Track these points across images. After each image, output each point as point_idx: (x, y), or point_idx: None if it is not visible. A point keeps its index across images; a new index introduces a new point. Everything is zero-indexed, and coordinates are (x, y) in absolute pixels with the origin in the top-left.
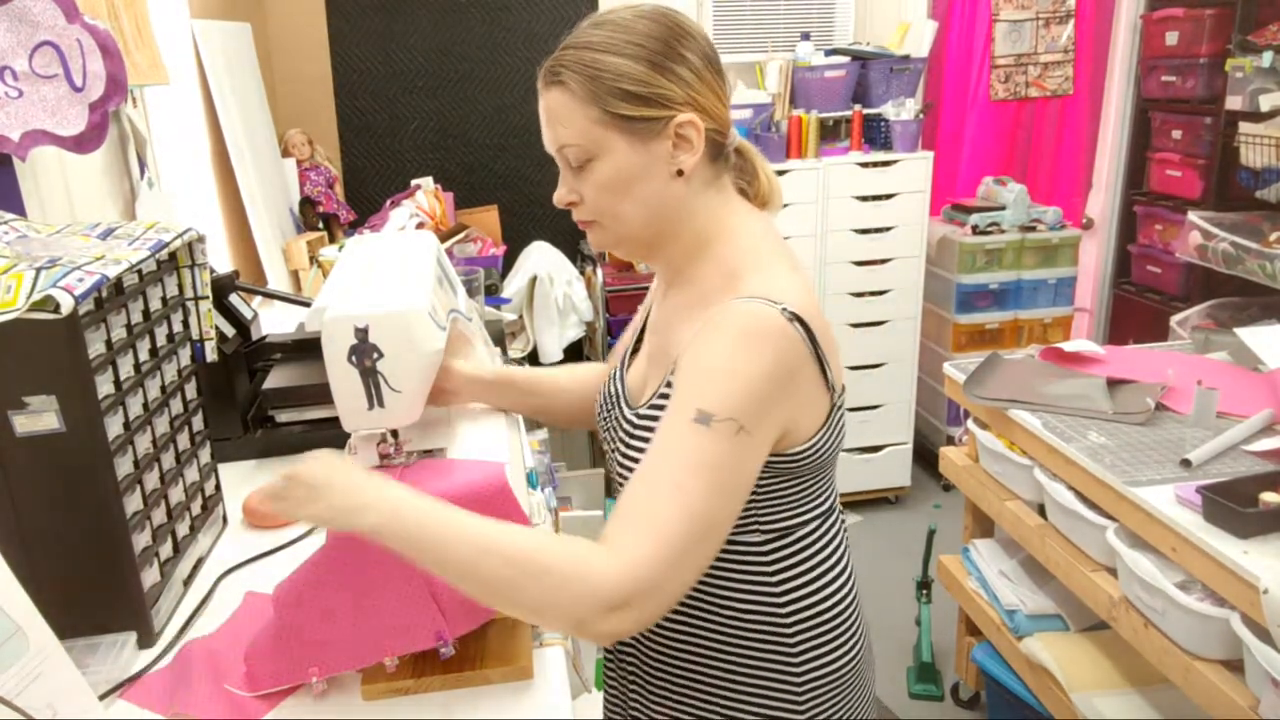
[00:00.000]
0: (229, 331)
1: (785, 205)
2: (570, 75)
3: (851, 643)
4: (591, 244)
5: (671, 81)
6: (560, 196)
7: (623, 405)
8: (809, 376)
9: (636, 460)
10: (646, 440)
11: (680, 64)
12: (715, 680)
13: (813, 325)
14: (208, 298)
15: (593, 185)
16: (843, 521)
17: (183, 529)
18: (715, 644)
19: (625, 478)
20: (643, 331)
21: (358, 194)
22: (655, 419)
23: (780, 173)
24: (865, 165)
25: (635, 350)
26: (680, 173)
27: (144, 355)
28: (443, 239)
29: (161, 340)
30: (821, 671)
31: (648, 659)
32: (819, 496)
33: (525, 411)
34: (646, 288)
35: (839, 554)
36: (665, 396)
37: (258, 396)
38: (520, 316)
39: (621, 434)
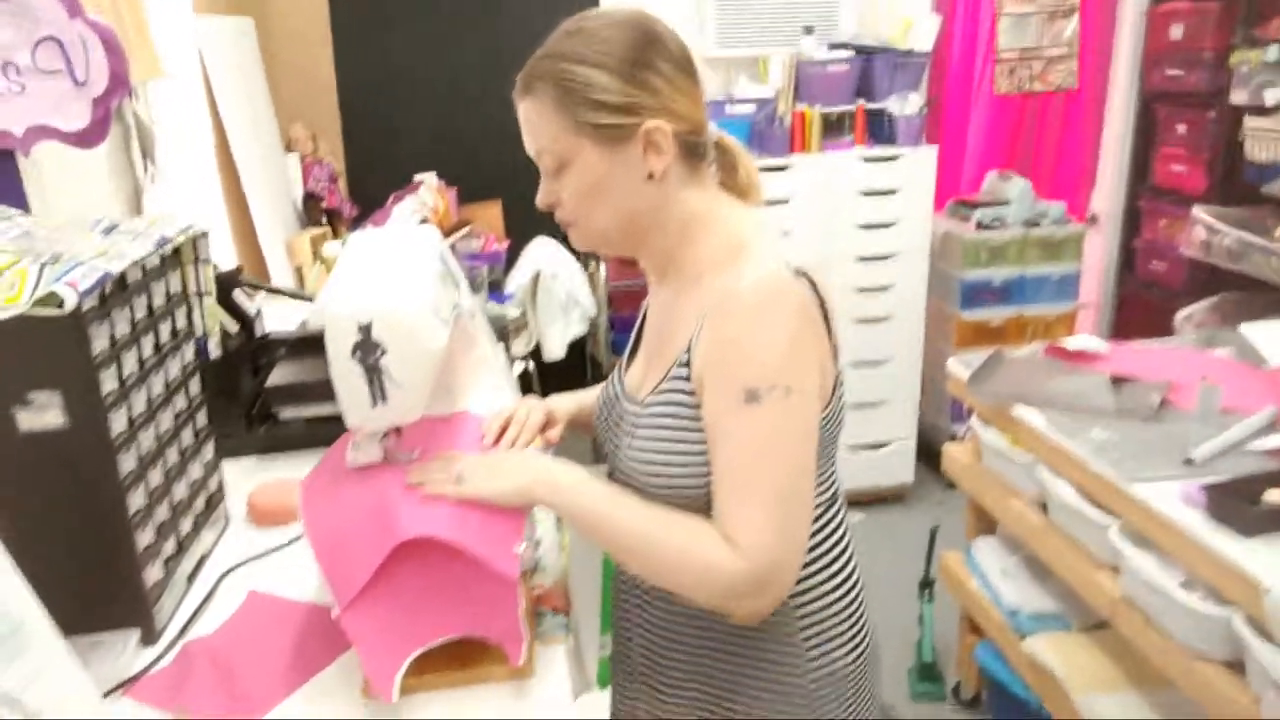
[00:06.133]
0: (232, 328)
1: (787, 200)
2: (542, 85)
3: (859, 640)
4: (573, 243)
5: (641, 90)
6: (541, 199)
7: (623, 402)
8: (821, 332)
9: (644, 452)
10: (655, 428)
11: (650, 72)
12: (722, 678)
13: (817, 282)
14: (211, 293)
15: (568, 190)
16: (846, 516)
17: (186, 526)
18: (720, 640)
19: (631, 474)
20: (639, 335)
21: (361, 189)
22: (663, 404)
23: (782, 168)
24: (869, 160)
25: (633, 353)
26: (651, 176)
27: (148, 351)
28: (446, 234)
29: (165, 336)
30: (831, 669)
31: (655, 656)
32: (822, 483)
33: None
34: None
35: (843, 547)
36: (678, 379)
37: (261, 393)
38: (523, 312)
39: (625, 428)
